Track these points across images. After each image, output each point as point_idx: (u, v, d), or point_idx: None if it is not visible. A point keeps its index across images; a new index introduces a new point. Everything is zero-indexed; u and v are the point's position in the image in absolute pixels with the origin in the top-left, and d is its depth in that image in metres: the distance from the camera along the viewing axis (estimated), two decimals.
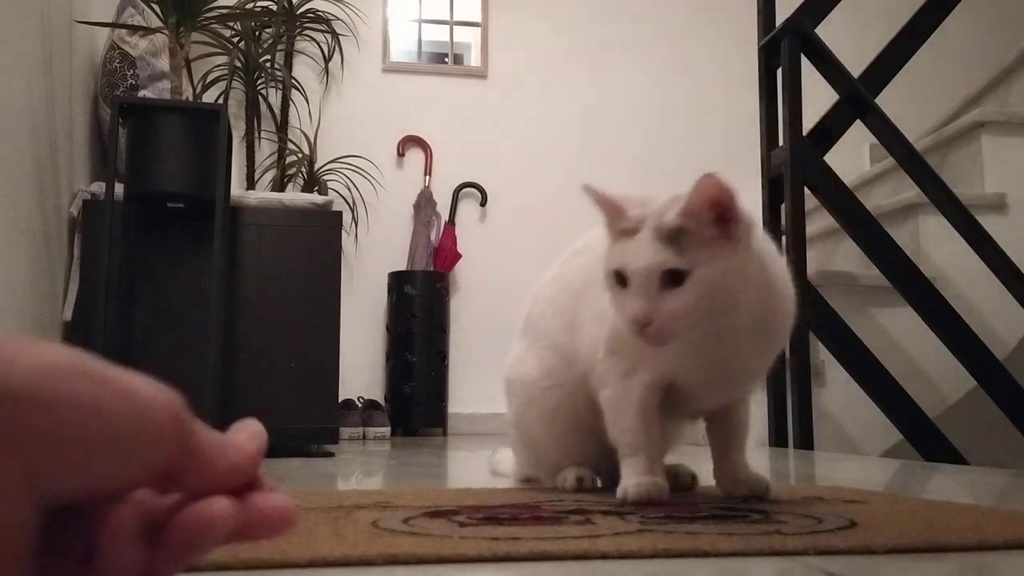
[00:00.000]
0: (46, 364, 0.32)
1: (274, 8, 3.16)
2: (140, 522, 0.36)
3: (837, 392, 2.42)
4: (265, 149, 3.20)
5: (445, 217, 3.54)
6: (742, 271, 0.79)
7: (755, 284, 0.82)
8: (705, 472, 1.01)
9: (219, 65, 2.89)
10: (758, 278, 0.83)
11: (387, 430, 3.00)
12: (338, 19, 3.43)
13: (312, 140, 3.21)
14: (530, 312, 1.06)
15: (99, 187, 1.86)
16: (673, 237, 0.77)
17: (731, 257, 0.78)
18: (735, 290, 0.79)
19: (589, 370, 0.94)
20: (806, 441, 2.22)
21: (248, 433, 0.40)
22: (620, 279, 0.79)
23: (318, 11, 3.35)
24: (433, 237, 3.48)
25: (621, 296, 0.79)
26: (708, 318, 0.79)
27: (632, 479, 0.88)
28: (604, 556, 0.61)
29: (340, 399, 2.18)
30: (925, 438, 2.16)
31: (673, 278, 0.76)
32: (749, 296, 0.81)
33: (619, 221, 0.81)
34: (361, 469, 1.67)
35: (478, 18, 3.79)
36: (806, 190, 2.34)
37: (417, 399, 3.27)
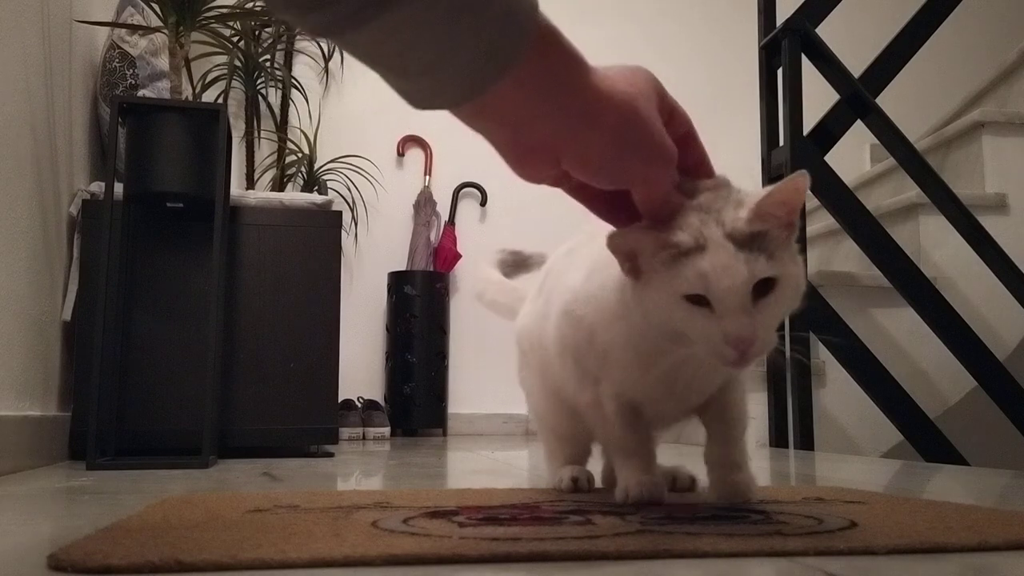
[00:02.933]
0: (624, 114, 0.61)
1: None
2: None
3: (837, 393, 2.42)
4: (265, 149, 3.20)
5: (445, 217, 3.54)
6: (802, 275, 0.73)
7: None
8: (705, 474, 1.01)
9: (219, 65, 2.88)
10: None
11: (387, 430, 3.00)
12: None
13: (312, 140, 3.21)
14: (544, 278, 1.03)
15: (98, 187, 1.86)
16: (753, 242, 0.69)
17: (797, 261, 0.72)
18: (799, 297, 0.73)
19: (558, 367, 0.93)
20: (806, 442, 2.22)
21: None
22: (697, 301, 0.69)
23: None
24: (433, 237, 3.48)
25: (706, 320, 0.69)
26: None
27: (631, 479, 0.88)
28: (604, 556, 0.61)
29: (340, 399, 2.18)
30: (926, 439, 2.16)
31: (763, 288, 0.69)
32: None
33: (665, 247, 0.69)
34: (361, 469, 1.67)
35: None
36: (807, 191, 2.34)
37: (417, 399, 3.27)
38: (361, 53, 0.54)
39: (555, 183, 0.67)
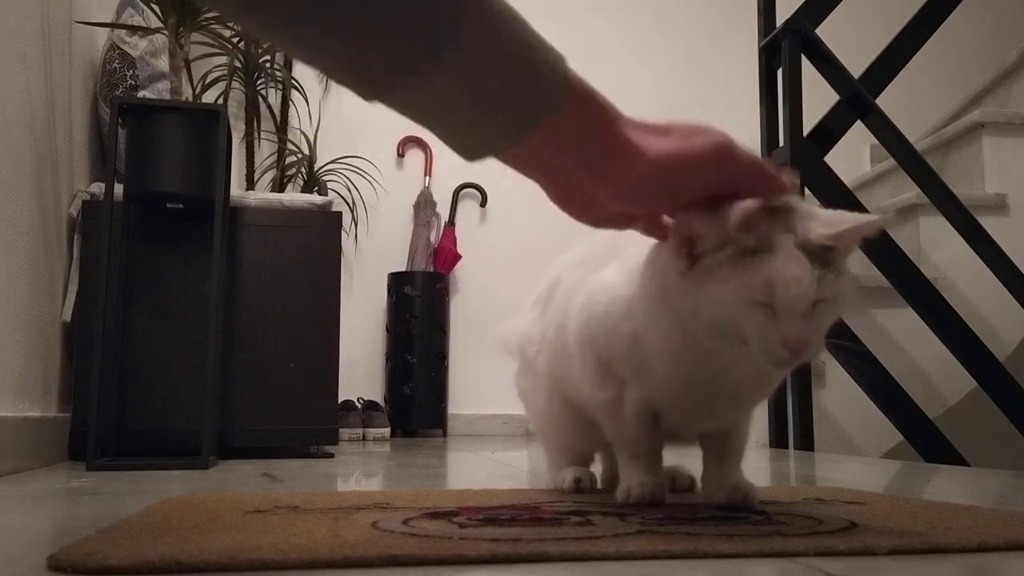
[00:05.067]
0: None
1: None
2: None
3: (837, 393, 2.42)
4: (265, 150, 3.20)
5: (445, 218, 3.54)
6: None
7: None
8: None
9: (219, 66, 2.88)
10: None
11: (387, 431, 3.00)
12: None
13: (312, 141, 3.21)
14: (549, 289, 1.02)
15: (98, 187, 1.86)
16: (821, 254, 0.70)
17: (850, 272, 0.73)
18: None
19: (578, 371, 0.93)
20: (806, 442, 2.22)
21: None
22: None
23: None
24: (433, 238, 3.48)
25: (766, 320, 0.70)
26: None
27: (634, 479, 0.88)
28: (604, 557, 0.61)
29: (340, 400, 2.18)
30: (925, 439, 2.16)
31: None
32: None
33: (731, 240, 0.70)
34: (361, 470, 1.67)
35: None
36: (807, 191, 2.34)
37: (417, 400, 3.27)
38: (413, 111, 0.60)
39: (623, 226, 0.74)
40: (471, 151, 0.62)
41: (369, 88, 0.58)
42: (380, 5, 0.53)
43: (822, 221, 0.71)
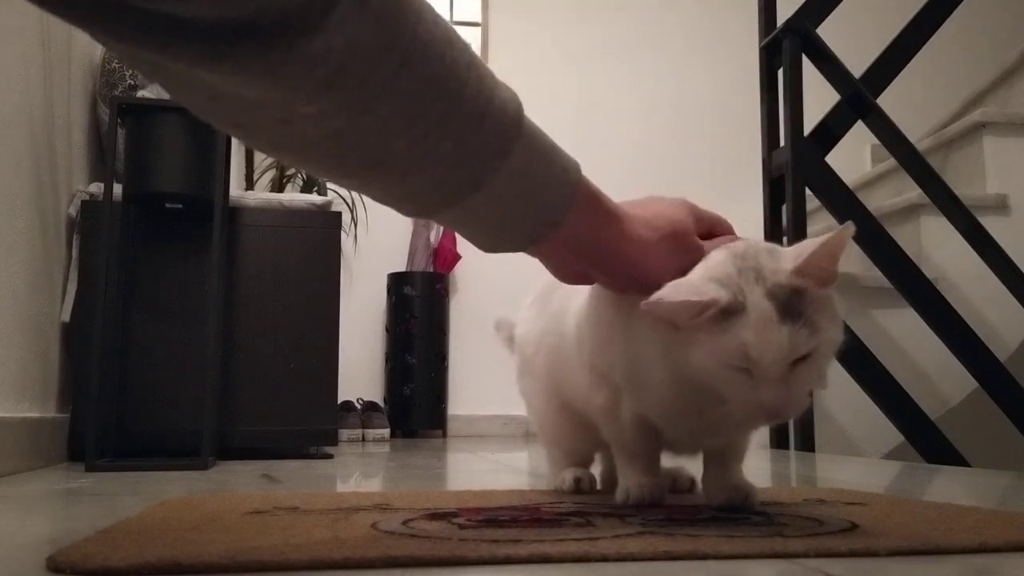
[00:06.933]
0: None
1: None
2: None
3: (838, 394, 2.42)
4: None
5: None
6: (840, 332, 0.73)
7: None
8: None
9: None
10: None
11: (386, 432, 3.00)
12: None
13: None
14: (548, 287, 1.00)
15: (97, 187, 1.86)
16: (794, 304, 0.69)
17: (836, 318, 0.72)
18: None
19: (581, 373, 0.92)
20: (807, 443, 2.22)
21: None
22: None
23: None
24: (432, 238, 3.48)
25: (744, 384, 0.70)
26: None
27: (632, 480, 0.88)
28: (604, 558, 0.61)
29: (339, 400, 2.18)
30: (927, 440, 2.16)
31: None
32: None
33: (703, 311, 0.69)
34: (360, 471, 1.67)
35: (478, 18, 3.79)
36: (807, 191, 2.34)
37: (416, 401, 3.27)
38: (446, 223, 0.67)
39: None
40: (490, 248, 0.70)
41: (417, 214, 0.65)
42: (431, 143, 0.58)
43: (789, 255, 0.71)
